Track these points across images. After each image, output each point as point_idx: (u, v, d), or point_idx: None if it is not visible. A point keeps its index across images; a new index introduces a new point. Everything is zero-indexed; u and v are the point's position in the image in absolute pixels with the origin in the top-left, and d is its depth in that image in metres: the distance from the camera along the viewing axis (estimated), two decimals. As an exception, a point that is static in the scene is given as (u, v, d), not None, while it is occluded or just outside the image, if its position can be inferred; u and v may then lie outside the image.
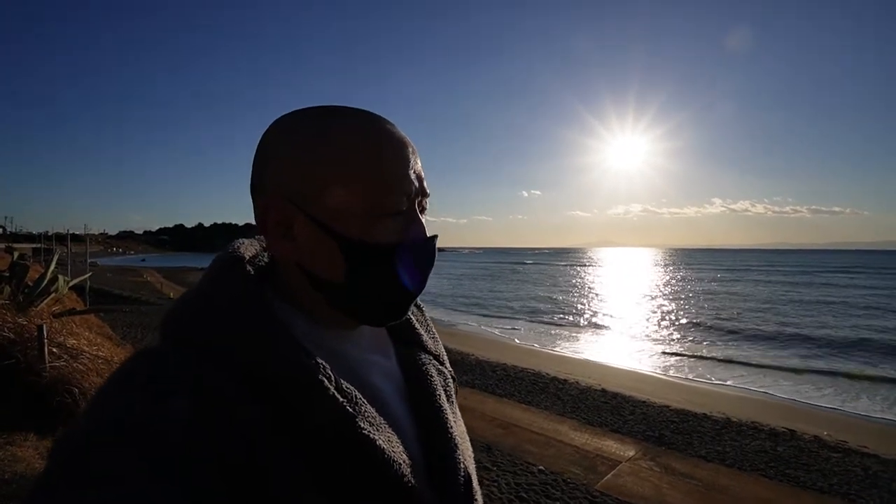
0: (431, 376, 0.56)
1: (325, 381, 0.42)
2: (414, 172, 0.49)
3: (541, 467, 4.18)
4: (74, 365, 3.68)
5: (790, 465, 4.44)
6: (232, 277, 0.47)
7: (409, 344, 0.59)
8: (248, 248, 0.53)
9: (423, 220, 0.50)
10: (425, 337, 0.61)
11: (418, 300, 0.62)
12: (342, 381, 0.44)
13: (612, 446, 4.75)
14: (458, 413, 0.60)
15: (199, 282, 0.48)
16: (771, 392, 7.96)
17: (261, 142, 0.49)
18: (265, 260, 0.53)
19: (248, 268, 0.49)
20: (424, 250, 0.49)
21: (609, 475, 4.11)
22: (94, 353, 4.12)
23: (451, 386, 0.61)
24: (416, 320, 0.62)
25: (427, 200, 0.52)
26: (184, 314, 0.45)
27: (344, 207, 0.46)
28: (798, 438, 5.19)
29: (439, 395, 0.55)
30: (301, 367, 0.42)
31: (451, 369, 0.63)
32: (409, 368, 0.56)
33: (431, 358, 0.60)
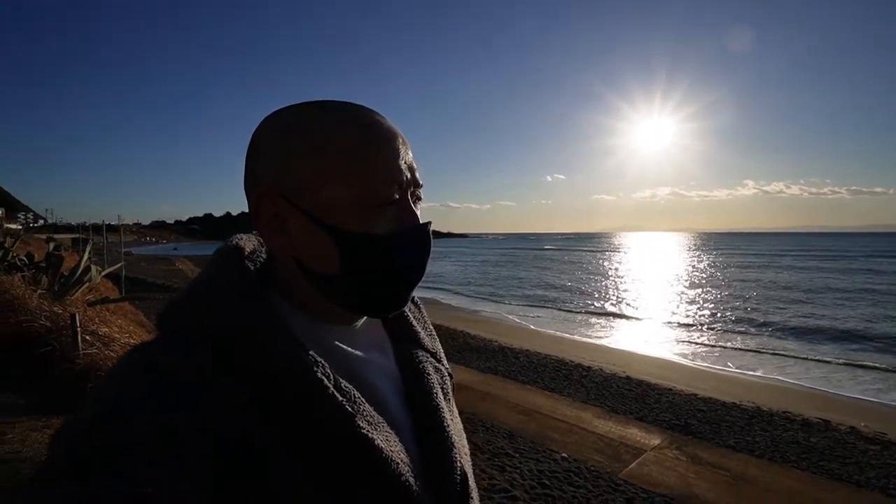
0: (429, 374, 0.57)
1: (325, 379, 0.42)
2: (405, 163, 0.49)
3: (564, 454, 4.15)
4: (107, 352, 3.81)
5: (824, 457, 4.29)
6: (231, 272, 0.47)
7: (406, 341, 0.59)
8: (247, 243, 0.53)
9: (418, 210, 0.50)
10: (422, 334, 0.61)
11: (415, 297, 0.62)
12: (341, 379, 0.44)
13: (636, 434, 4.69)
14: (455, 411, 0.61)
15: (199, 276, 0.48)
16: (804, 383, 7.71)
17: (253, 138, 0.50)
18: (263, 255, 0.53)
19: (248, 263, 0.49)
20: (418, 238, 0.49)
21: (633, 464, 4.06)
22: (126, 340, 4.26)
23: (448, 383, 0.61)
24: (414, 317, 0.62)
25: (421, 191, 0.52)
26: (185, 307, 0.45)
27: (336, 199, 0.46)
28: (833, 429, 5.01)
29: (436, 394, 0.55)
30: (300, 363, 0.42)
31: (448, 366, 0.63)
32: (406, 366, 0.56)
33: (428, 356, 0.60)
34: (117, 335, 4.25)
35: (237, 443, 0.37)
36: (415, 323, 0.62)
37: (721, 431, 4.82)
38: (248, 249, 0.51)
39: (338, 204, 0.46)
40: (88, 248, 6.49)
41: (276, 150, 0.47)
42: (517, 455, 4.09)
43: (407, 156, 0.49)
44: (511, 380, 6.53)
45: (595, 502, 3.41)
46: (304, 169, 0.46)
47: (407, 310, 0.62)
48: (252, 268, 0.49)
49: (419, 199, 0.51)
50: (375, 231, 0.46)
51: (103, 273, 6.43)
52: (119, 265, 9.49)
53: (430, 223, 0.51)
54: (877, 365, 8.90)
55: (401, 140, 0.49)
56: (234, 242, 0.52)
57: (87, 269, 5.58)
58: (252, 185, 0.48)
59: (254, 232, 0.55)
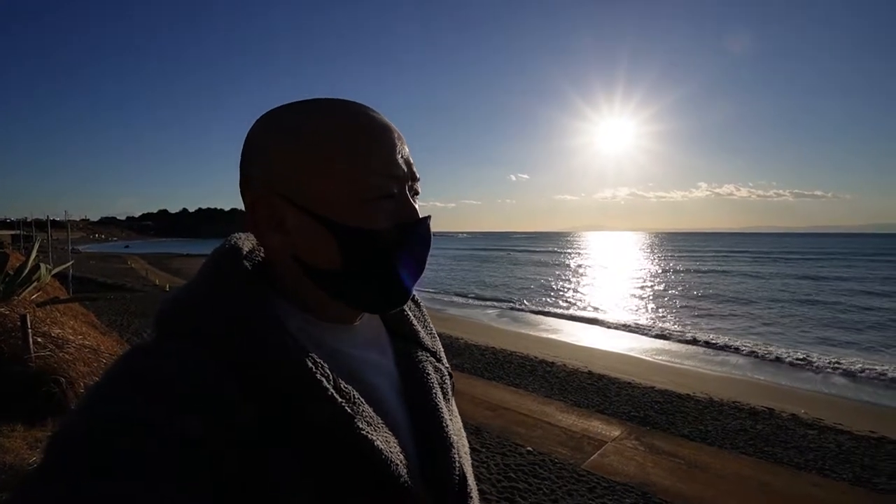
0: (428, 374, 0.56)
1: (324, 380, 0.42)
2: (401, 157, 0.49)
3: (529, 448, 4.27)
4: (60, 354, 3.63)
5: (769, 443, 4.60)
6: (229, 273, 0.47)
7: (405, 340, 0.59)
8: (245, 242, 0.52)
9: (416, 204, 0.50)
10: (422, 333, 0.61)
11: (416, 296, 0.62)
12: (340, 380, 0.44)
13: (598, 427, 4.87)
14: (455, 410, 0.60)
15: (196, 276, 0.48)
16: (752, 374, 8.19)
17: (247, 139, 0.49)
18: (261, 256, 0.53)
19: (245, 262, 0.49)
20: (418, 232, 0.49)
21: (595, 455, 4.22)
22: (80, 342, 4.08)
23: (448, 383, 0.60)
24: (413, 316, 0.62)
25: (419, 185, 0.52)
26: (181, 309, 0.44)
27: (334, 195, 0.46)
28: (777, 416, 5.36)
29: (435, 394, 0.55)
30: (299, 365, 0.42)
31: (448, 366, 0.63)
32: (405, 366, 0.56)
33: (428, 355, 0.59)
34: (71, 337, 4.06)
35: (235, 447, 0.37)
36: (415, 321, 0.61)
37: (676, 422, 5.08)
38: (245, 249, 0.51)
39: (336, 199, 0.45)
40: (36, 246, 6.16)
41: (270, 148, 0.47)
42: (484, 450, 4.18)
43: (403, 150, 0.49)
44: (477, 376, 6.64)
45: (559, 493, 3.54)
46: (301, 166, 0.46)
47: (407, 308, 0.61)
48: (249, 267, 0.49)
49: (417, 192, 0.51)
50: (375, 226, 0.46)
51: (53, 272, 6.10)
52: (68, 264, 9.00)
53: (429, 217, 0.51)
54: (819, 360, 9.53)
55: (396, 134, 0.49)
56: (231, 241, 0.51)
57: (36, 268, 5.29)
58: (248, 186, 0.48)
59: (248, 231, 0.53)
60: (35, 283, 5.38)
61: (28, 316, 3.61)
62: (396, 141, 0.49)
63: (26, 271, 5.20)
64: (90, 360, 3.76)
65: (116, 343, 5.29)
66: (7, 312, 4.10)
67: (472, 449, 4.15)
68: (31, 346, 3.54)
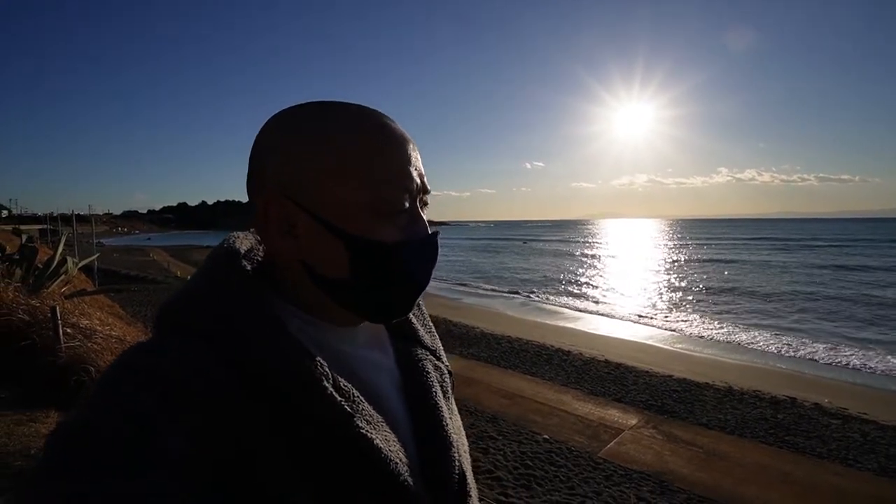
0: (428, 372, 0.56)
1: (323, 379, 0.42)
2: (415, 169, 0.48)
3: (545, 436, 4.30)
4: (89, 345, 3.76)
5: (790, 432, 4.54)
6: (228, 271, 0.47)
7: (405, 339, 0.59)
8: (244, 241, 0.52)
9: (425, 217, 0.50)
10: (422, 332, 0.61)
11: None
12: (340, 378, 0.44)
13: (614, 415, 4.86)
14: (455, 408, 0.61)
15: (196, 274, 0.48)
16: (773, 363, 8.06)
17: (258, 139, 0.49)
18: (261, 254, 0.52)
19: (245, 262, 0.49)
20: (427, 246, 0.49)
21: (612, 443, 4.23)
22: (108, 332, 4.21)
23: (448, 381, 0.61)
24: (413, 315, 0.62)
25: (428, 197, 0.51)
26: (181, 306, 0.45)
27: (347, 205, 0.45)
28: (799, 406, 5.29)
29: (435, 392, 0.55)
30: (298, 364, 0.42)
31: (448, 364, 0.63)
32: (405, 365, 0.56)
33: (428, 353, 0.60)
34: (98, 327, 4.20)
35: (233, 445, 0.37)
36: (414, 320, 0.61)
37: (695, 410, 5.04)
38: (244, 248, 0.51)
39: (349, 209, 0.45)
40: (63, 240, 6.35)
41: (285, 150, 0.46)
42: (500, 437, 4.22)
43: (417, 161, 0.49)
44: (494, 365, 6.67)
45: (576, 480, 3.56)
46: (316, 172, 0.45)
47: None
48: (249, 267, 0.49)
49: (426, 204, 0.51)
50: (386, 238, 0.46)
51: (79, 265, 6.29)
52: (94, 257, 9.26)
53: (438, 232, 0.51)
54: (844, 350, 9.32)
55: (411, 145, 0.49)
56: (230, 241, 0.51)
57: (64, 262, 5.46)
58: (258, 187, 0.48)
59: (251, 230, 0.54)
60: (63, 276, 5.55)
61: (58, 308, 3.74)
62: (411, 152, 0.48)
63: (54, 265, 5.37)
64: (117, 350, 3.88)
65: (141, 333, 5.44)
66: (38, 305, 4.26)
67: (489, 437, 4.19)
68: (62, 337, 3.67)
